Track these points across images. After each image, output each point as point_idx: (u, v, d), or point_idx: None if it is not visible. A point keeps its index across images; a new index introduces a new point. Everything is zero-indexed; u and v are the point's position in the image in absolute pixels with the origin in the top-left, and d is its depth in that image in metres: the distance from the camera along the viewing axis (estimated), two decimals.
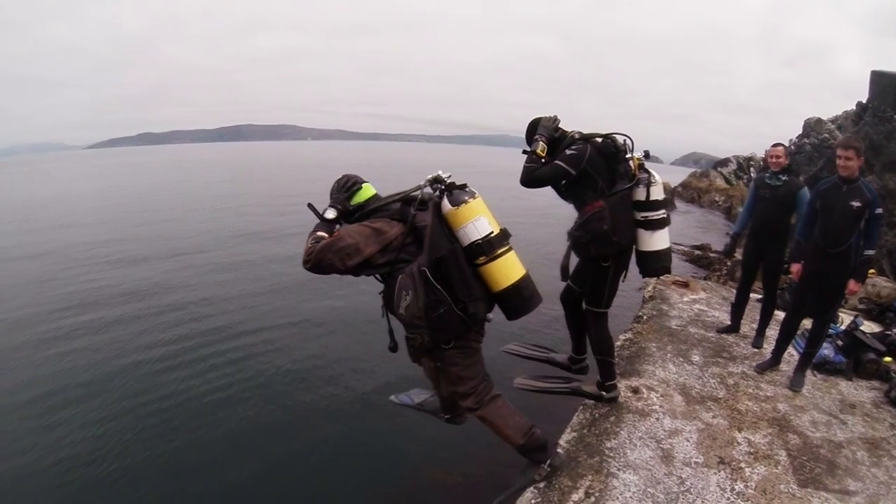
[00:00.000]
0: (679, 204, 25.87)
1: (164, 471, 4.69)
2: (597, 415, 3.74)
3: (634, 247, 3.45)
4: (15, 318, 8.51)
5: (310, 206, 2.64)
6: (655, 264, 3.44)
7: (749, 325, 5.46)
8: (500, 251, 2.51)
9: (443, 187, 2.59)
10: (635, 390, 4.08)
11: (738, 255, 6.02)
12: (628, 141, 3.36)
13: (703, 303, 6.16)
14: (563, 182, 3.34)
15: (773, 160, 4.79)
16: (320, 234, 2.43)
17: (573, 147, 3.25)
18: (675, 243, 14.37)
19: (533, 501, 2.84)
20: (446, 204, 2.53)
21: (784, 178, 4.72)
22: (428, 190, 2.62)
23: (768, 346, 4.93)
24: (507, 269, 2.54)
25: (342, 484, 4.49)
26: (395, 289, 2.42)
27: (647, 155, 3.39)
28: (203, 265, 11.91)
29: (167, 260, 12.39)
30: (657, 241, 3.39)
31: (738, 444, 3.48)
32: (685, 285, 6.66)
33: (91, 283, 10.47)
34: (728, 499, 2.95)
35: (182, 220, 18.26)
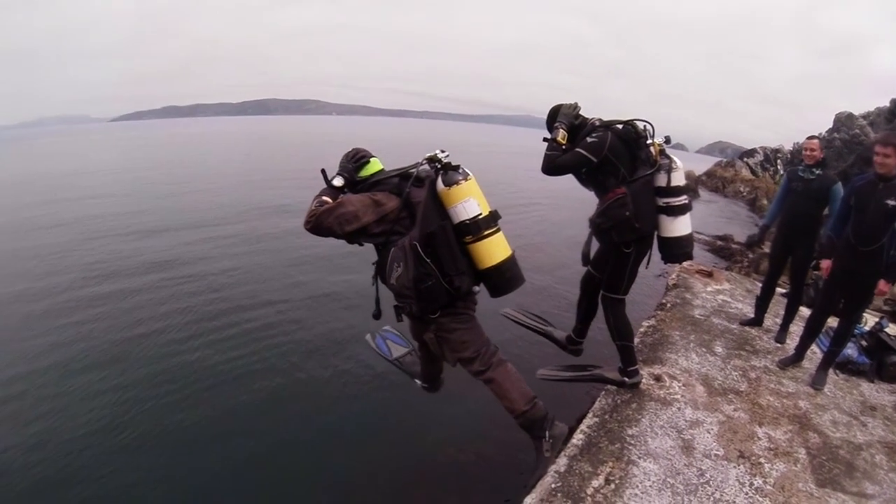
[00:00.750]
0: (703, 193, 25.49)
1: (181, 441, 4.74)
2: (619, 401, 3.72)
3: (656, 233, 3.44)
4: (38, 288, 8.62)
5: (322, 171, 2.79)
6: (678, 250, 3.43)
7: (772, 320, 5.39)
8: (486, 232, 2.61)
9: (438, 166, 2.66)
10: (658, 378, 4.06)
11: (766, 247, 5.93)
12: (649, 127, 3.35)
13: (727, 294, 6.09)
14: (584, 169, 3.34)
15: (808, 153, 4.68)
16: (325, 198, 2.57)
17: (594, 134, 3.25)
18: (698, 232, 14.13)
19: (553, 486, 2.84)
20: (440, 183, 2.61)
21: (818, 172, 4.62)
22: (426, 167, 2.72)
23: (791, 342, 4.88)
24: (493, 250, 2.64)
25: (354, 460, 4.51)
26: (388, 260, 2.59)
27: (667, 140, 3.38)
28: (224, 237, 11.94)
29: (188, 232, 12.43)
30: (679, 226, 3.38)
31: (759, 439, 3.46)
32: (709, 275, 6.59)
33: (113, 254, 10.56)
34: (746, 494, 2.93)
35: (204, 193, 18.28)
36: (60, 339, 6.70)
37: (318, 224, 2.50)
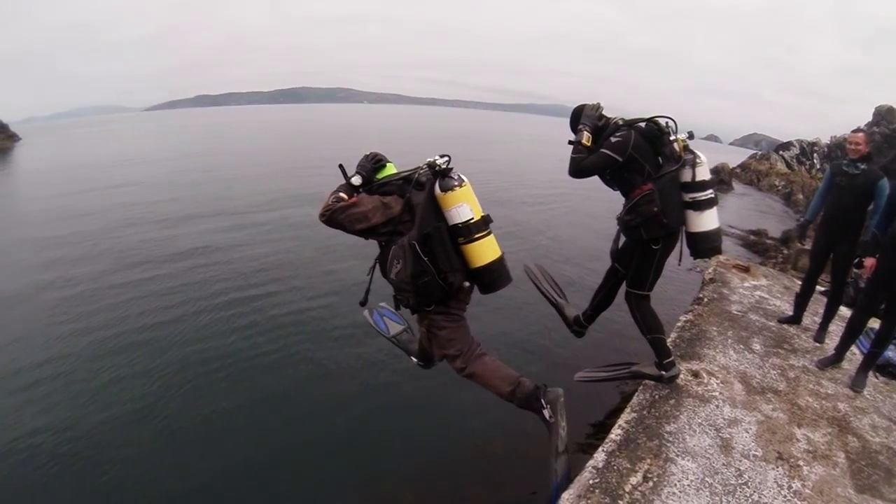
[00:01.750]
0: (737, 186, 25.06)
1: (210, 429, 4.78)
2: (657, 396, 3.68)
3: (683, 229, 3.47)
4: (72, 274, 8.78)
5: (341, 167, 3.04)
6: (706, 245, 3.49)
7: (811, 318, 5.27)
8: (477, 235, 2.79)
9: (437, 170, 2.83)
10: (696, 374, 4.01)
11: (806, 244, 5.79)
12: (671, 123, 3.41)
13: (765, 290, 5.97)
14: (609, 170, 3.42)
15: (853, 147, 4.54)
16: (342, 194, 2.82)
17: (617, 134, 3.33)
18: (730, 226, 13.91)
19: (591, 482, 2.81)
20: (437, 187, 2.79)
21: (862, 167, 4.47)
22: (426, 172, 2.88)
23: (830, 342, 4.78)
24: (483, 252, 2.82)
25: (381, 450, 4.53)
26: (389, 257, 2.82)
27: (691, 136, 3.41)
28: (255, 225, 12.02)
29: (220, 219, 12.54)
30: (706, 221, 3.42)
31: (797, 440, 3.39)
32: (746, 270, 6.47)
33: (145, 241, 10.68)
34: (785, 497, 2.88)
35: (236, 180, 18.41)
36: (92, 324, 6.82)
37: (332, 218, 2.75)
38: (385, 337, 4.18)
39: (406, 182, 2.88)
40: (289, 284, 8.15)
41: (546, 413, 2.92)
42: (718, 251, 3.62)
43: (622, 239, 3.69)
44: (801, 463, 3.17)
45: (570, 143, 3.43)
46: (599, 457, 3.04)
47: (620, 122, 3.44)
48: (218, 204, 14.29)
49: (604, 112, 3.53)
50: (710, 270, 6.48)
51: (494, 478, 4.30)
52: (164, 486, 4.12)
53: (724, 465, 3.07)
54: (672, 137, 3.38)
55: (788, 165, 28.73)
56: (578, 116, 3.53)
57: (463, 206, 2.76)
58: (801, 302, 5.21)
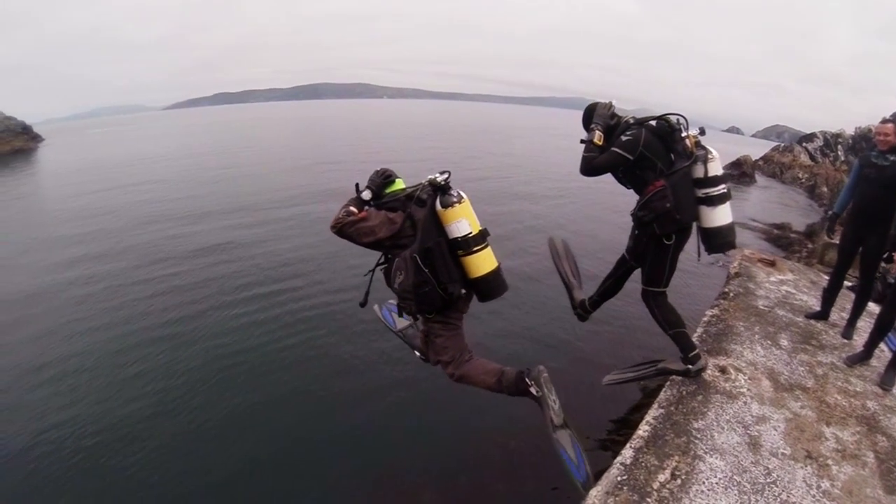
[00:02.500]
0: (759, 178, 24.71)
1: (231, 424, 4.86)
2: (684, 392, 3.66)
3: (696, 224, 3.50)
4: (95, 271, 8.97)
5: (356, 185, 3.16)
6: (720, 240, 3.50)
7: (838, 314, 5.17)
8: (475, 248, 2.96)
9: (438, 187, 2.99)
10: (723, 370, 3.96)
11: (834, 238, 5.67)
12: (682, 120, 3.46)
13: (791, 284, 5.88)
14: (621, 168, 3.48)
15: (882, 138, 4.41)
16: (352, 208, 2.98)
17: (628, 133, 3.38)
18: (753, 219, 13.72)
19: (619, 479, 2.80)
20: (438, 204, 2.95)
21: (892, 158, 4.35)
22: (428, 189, 3.03)
23: (858, 339, 4.68)
24: (481, 263, 2.99)
25: (402, 444, 4.59)
26: (393, 268, 3.00)
27: (702, 132, 3.47)
28: (277, 221, 12.13)
29: (241, 216, 12.67)
30: (720, 216, 3.44)
31: (826, 439, 3.34)
32: (772, 264, 6.37)
33: (167, 238, 10.86)
34: (814, 497, 2.84)
35: (256, 177, 18.62)
36: (116, 319, 6.97)
37: (342, 231, 2.92)
38: (392, 331, 4.34)
39: (409, 199, 3.03)
40: (310, 279, 8.22)
41: (533, 390, 3.04)
42: (732, 246, 3.59)
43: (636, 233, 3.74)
44: (829, 462, 3.12)
45: (583, 142, 3.50)
46: (627, 453, 3.02)
47: (631, 121, 3.51)
48: (239, 200, 14.42)
49: (616, 111, 3.58)
50: (735, 265, 6.40)
51: (516, 473, 4.32)
52: (188, 480, 4.20)
53: (752, 463, 3.03)
54: (684, 134, 3.42)
55: (812, 157, 28.24)
56: (591, 115, 3.60)
57: (462, 222, 2.92)
58: (829, 297, 5.11)
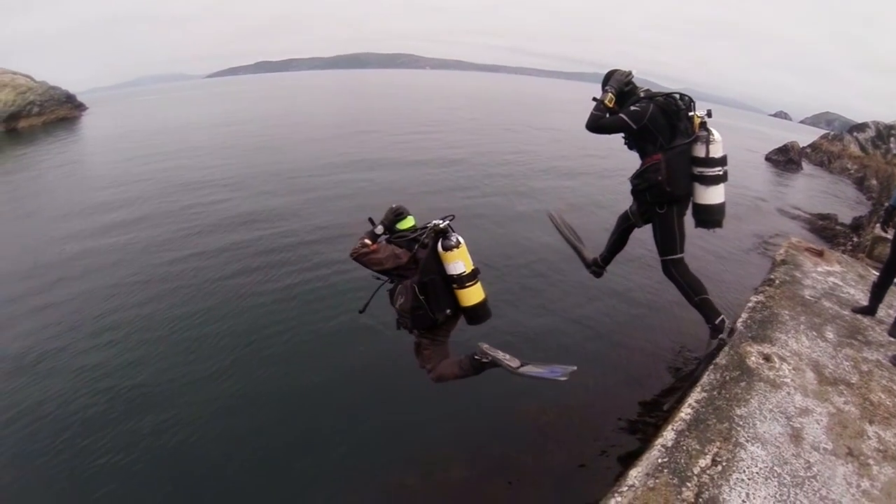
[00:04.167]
0: (806, 166, 23.91)
1: (272, 398, 5.04)
2: (727, 377, 3.61)
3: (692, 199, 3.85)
4: (140, 236, 9.30)
5: (370, 220, 3.68)
6: (706, 216, 3.85)
7: (886, 311, 5.00)
8: (467, 284, 3.40)
9: (440, 228, 3.44)
10: (767, 358, 3.88)
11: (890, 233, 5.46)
12: (687, 99, 3.76)
13: (838, 276, 5.70)
14: (626, 136, 3.85)
15: None
16: (367, 241, 3.54)
17: (637, 104, 3.69)
18: (796, 208, 13.34)
19: (660, 461, 2.79)
20: (440, 247, 3.39)
21: None
22: (432, 234, 3.48)
23: None
24: (470, 296, 3.44)
25: (435, 420, 4.70)
26: (396, 291, 3.55)
27: (709, 114, 3.71)
28: (316, 189, 12.22)
29: (281, 184, 12.80)
30: (711, 195, 3.76)
31: (868, 437, 3.25)
32: (819, 254, 6.17)
33: (210, 207, 11.07)
34: (853, 496, 2.78)
35: (301, 144, 18.80)
36: (156, 288, 7.28)
37: (358, 259, 3.50)
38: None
39: (414, 241, 3.53)
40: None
41: (486, 359, 3.53)
42: (719, 225, 3.87)
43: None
44: (870, 462, 3.04)
45: (595, 100, 3.83)
46: (669, 435, 3.00)
47: (643, 94, 3.79)
48: (280, 169, 14.54)
49: (633, 81, 3.87)
50: (781, 251, 6.23)
51: (545, 447, 4.40)
52: (234, 448, 4.47)
53: (793, 455, 2.97)
54: (691, 113, 3.72)
55: (862, 148, 27.10)
56: (609, 79, 3.89)
57: (458, 263, 3.37)
58: (878, 293, 4.93)
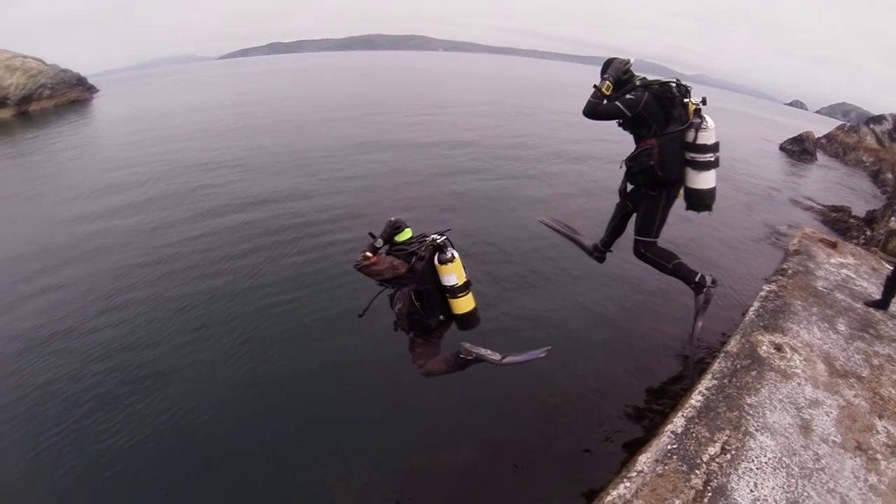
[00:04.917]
0: (821, 157, 23.51)
1: (289, 384, 5.05)
2: (738, 366, 3.62)
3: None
4: (153, 218, 9.30)
5: (370, 234, 3.81)
6: (696, 200, 3.95)
7: None
8: (459, 294, 3.59)
9: (437, 244, 3.61)
10: (778, 348, 3.88)
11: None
12: (682, 87, 3.87)
13: (851, 269, 5.65)
14: (621, 121, 3.97)
15: None
16: (368, 253, 3.70)
17: (633, 92, 3.81)
18: (809, 198, 13.17)
19: (669, 447, 2.79)
20: (436, 260, 3.56)
21: None
22: (430, 247, 3.66)
23: None
24: (462, 305, 3.63)
25: (447, 403, 4.73)
26: (395, 297, 3.77)
27: (704, 102, 3.83)
28: (326, 170, 12.18)
29: (292, 166, 12.74)
30: (702, 180, 3.87)
31: (877, 432, 3.25)
32: (833, 245, 6.12)
33: (221, 188, 11.06)
34: (860, 490, 2.78)
35: (312, 128, 18.61)
36: (175, 268, 7.29)
37: (360, 270, 3.67)
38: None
39: (412, 254, 3.70)
40: (362, 233, 8.28)
41: (470, 356, 3.71)
42: (709, 209, 3.95)
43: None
44: (878, 456, 3.04)
45: (594, 87, 3.95)
46: (679, 422, 3.00)
47: (639, 83, 3.88)
48: (292, 151, 14.47)
49: (631, 69, 3.99)
50: (794, 242, 6.19)
51: (551, 433, 4.41)
52: (249, 429, 4.51)
53: (802, 446, 2.97)
54: (686, 100, 3.81)
55: (879, 141, 26.62)
56: (608, 67, 3.99)
57: (452, 276, 3.56)
58: (891, 287, 4.88)
